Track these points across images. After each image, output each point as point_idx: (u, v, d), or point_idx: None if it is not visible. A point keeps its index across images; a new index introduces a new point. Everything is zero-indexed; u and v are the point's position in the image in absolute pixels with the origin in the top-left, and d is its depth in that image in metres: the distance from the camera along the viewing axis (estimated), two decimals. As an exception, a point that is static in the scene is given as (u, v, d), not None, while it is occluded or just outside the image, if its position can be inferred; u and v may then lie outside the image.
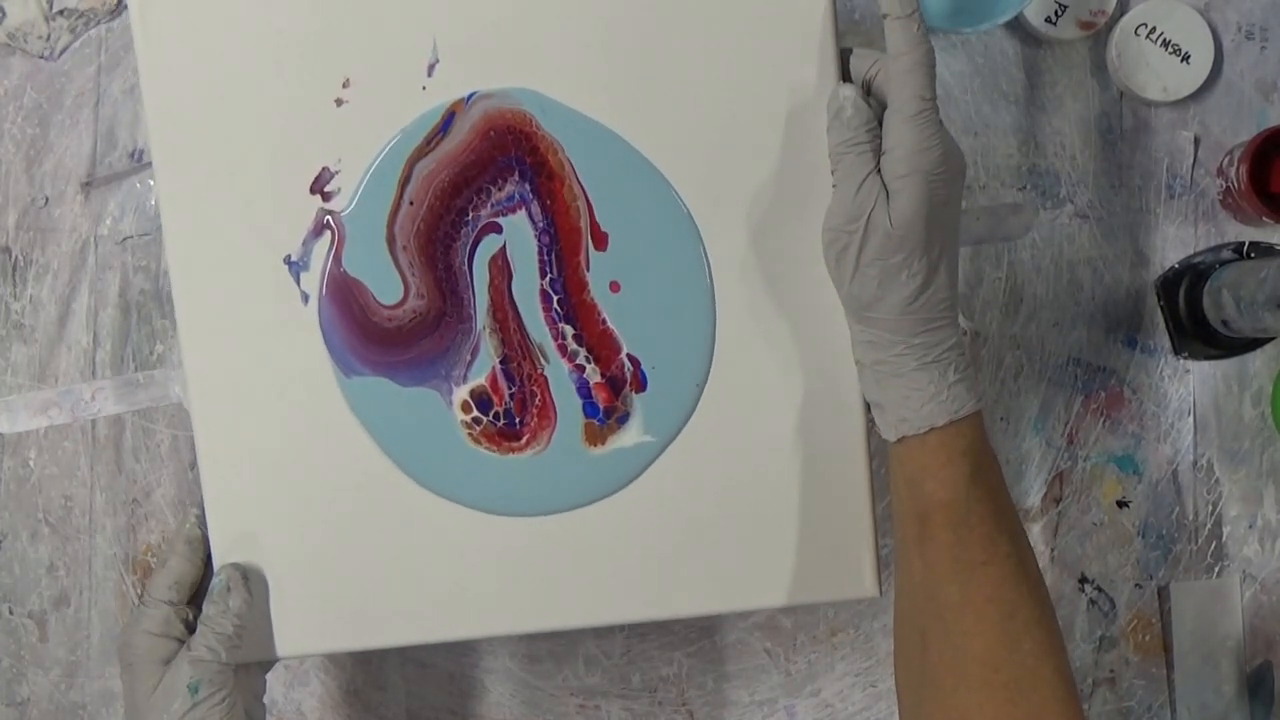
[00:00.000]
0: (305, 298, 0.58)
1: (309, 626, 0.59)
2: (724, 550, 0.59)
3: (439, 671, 0.73)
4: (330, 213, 0.58)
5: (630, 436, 0.59)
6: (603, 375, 0.59)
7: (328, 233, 0.58)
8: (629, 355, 0.59)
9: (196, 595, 0.59)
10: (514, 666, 0.73)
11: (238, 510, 0.59)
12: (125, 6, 0.72)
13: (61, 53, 0.73)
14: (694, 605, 0.60)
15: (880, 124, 0.54)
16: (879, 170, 0.54)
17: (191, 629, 0.58)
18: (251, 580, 0.58)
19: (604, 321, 0.58)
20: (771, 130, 0.58)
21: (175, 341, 0.72)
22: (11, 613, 0.73)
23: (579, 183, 0.58)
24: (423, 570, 0.59)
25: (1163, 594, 0.73)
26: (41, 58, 0.72)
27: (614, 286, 0.58)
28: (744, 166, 0.58)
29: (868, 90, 0.56)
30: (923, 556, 0.54)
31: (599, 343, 0.58)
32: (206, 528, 0.59)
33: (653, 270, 0.58)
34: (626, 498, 0.59)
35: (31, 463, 0.73)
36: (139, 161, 0.73)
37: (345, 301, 0.58)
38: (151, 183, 0.72)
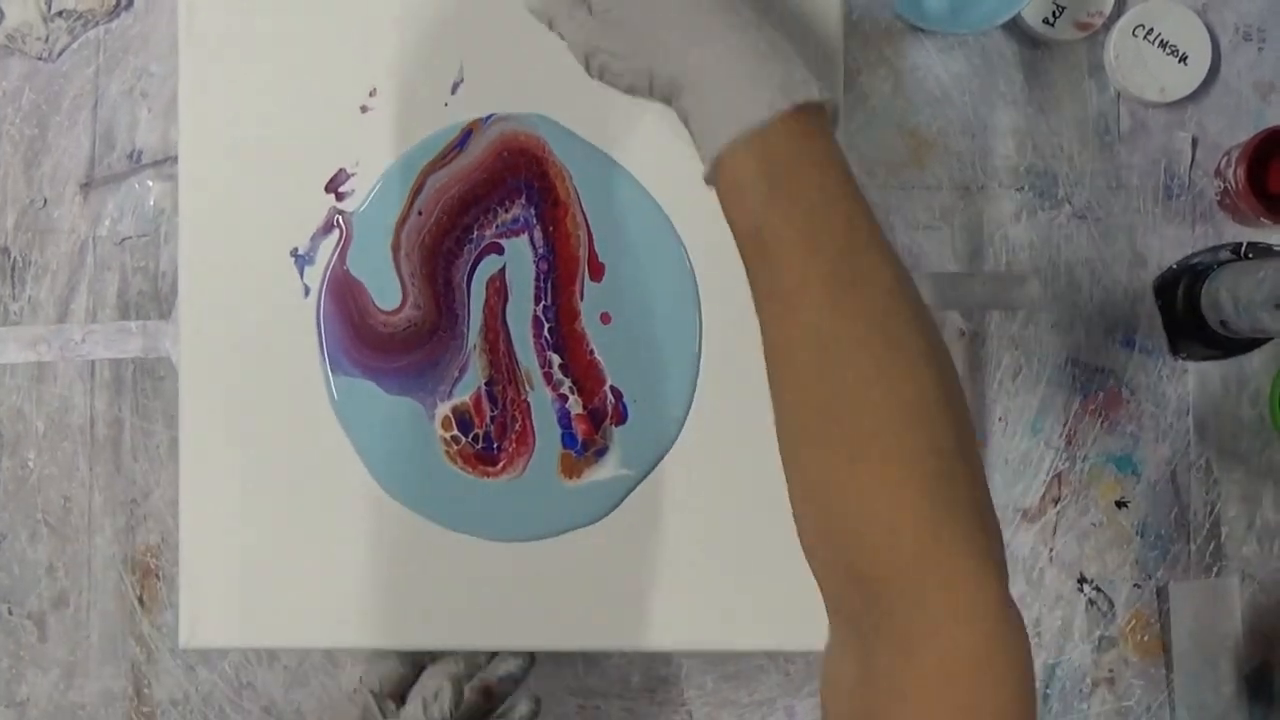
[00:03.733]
0: (306, 291, 0.59)
1: (257, 617, 0.60)
2: (691, 589, 0.59)
3: (438, 672, 0.73)
4: (341, 212, 0.59)
5: (607, 470, 0.59)
6: (584, 407, 0.59)
7: (336, 231, 0.59)
8: (612, 387, 0.59)
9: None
10: (513, 667, 0.73)
11: (211, 489, 0.60)
12: (124, 8, 0.73)
13: (60, 54, 0.73)
14: (655, 640, 0.60)
15: None
16: None
17: None
18: None
19: (591, 352, 0.59)
20: None
21: (174, 331, 0.72)
22: (11, 613, 0.73)
23: (582, 212, 0.59)
24: (380, 576, 0.59)
25: (1161, 594, 0.73)
26: (40, 59, 0.73)
27: (605, 317, 0.59)
28: None
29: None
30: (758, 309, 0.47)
31: (584, 373, 0.59)
32: (379, 700, 0.59)
33: (644, 304, 0.59)
34: (597, 530, 0.59)
35: (31, 463, 0.73)
36: (137, 162, 0.73)
37: (344, 299, 0.59)
38: (150, 183, 0.72)
